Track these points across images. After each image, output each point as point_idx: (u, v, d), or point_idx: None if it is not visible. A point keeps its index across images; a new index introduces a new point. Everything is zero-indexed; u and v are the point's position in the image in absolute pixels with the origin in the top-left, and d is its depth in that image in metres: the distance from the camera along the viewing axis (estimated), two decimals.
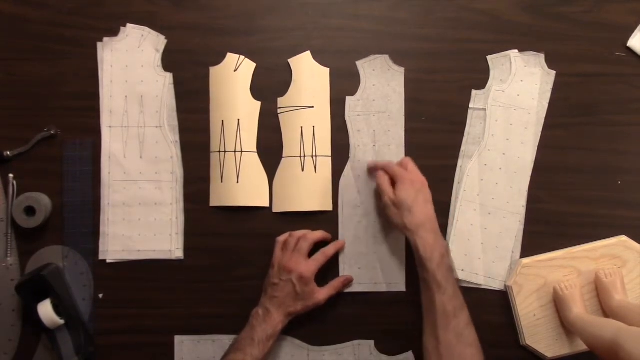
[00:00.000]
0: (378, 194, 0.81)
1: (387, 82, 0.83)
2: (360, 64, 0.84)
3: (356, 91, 0.84)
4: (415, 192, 0.76)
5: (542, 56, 0.84)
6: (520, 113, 0.84)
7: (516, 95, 0.84)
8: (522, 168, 0.83)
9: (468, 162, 0.84)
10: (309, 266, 0.78)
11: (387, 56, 0.83)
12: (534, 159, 0.84)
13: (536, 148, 0.84)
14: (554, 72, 0.84)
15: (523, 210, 0.83)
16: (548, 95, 0.84)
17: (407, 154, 0.83)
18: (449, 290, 0.72)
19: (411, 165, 0.79)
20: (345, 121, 0.84)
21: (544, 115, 0.84)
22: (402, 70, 0.83)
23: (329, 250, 0.81)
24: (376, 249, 0.83)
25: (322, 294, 0.79)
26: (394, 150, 0.83)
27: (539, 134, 0.84)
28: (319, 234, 0.81)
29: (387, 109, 0.83)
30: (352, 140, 0.83)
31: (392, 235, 0.83)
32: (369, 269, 0.83)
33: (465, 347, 0.71)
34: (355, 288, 0.83)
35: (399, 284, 0.83)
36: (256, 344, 0.75)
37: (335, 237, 0.83)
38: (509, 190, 0.83)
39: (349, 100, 0.84)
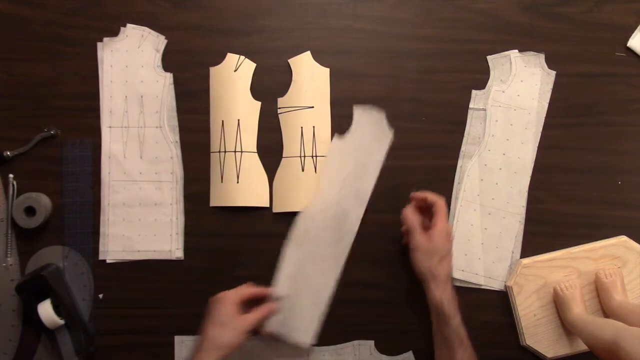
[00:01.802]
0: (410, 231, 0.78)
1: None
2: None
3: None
4: (450, 246, 0.77)
5: (542, 56, 0.84)
6: (520, 113, 0.84)
7: (516, 95, 0.84)
8: (522, 168, 0.83)
9: (468, 162, 0.84)
10: (227, 292, 0.76)
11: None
12: (534, 159, 0.84)
13: (536, 148, 0.84)
14: (554, 72, 0.84)
15: (523, 211, 0.83)
16: (548, 95, 0.84)
17: (408, 153, 0.84)
18: (469, 345, 0.75)
19: (445, 214, 0.78)
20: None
21: (544, 116, 0.84)
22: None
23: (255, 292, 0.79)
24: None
25: (248, 318, 0.75)
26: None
27: (539, 134, 0.84)
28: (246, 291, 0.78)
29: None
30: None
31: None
32: None
33: None
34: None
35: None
36: None
37: None
38: (509, 191, 0.83)
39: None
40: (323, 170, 0.83)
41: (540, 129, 0.84)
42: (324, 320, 0.82)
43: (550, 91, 0.84)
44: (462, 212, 0.83)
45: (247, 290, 0.78)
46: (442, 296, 0.75)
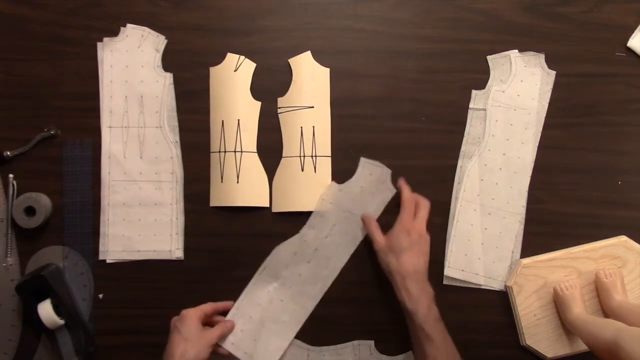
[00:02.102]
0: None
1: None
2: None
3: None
4: (409, 242, 0.76)
5: (542, 56, 0.84)
6: (520, 113, 0.84)
7: (516, 95, 0.84)
8: (522, 168, 0.83)
9: (468, 162, 0.84)
10: (190, 309, 0.78)
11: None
12: (534, 159, 0.84)
13: (536, 148, 0.84)
14: (554, 72, 0.84)
15: (523, 211, 0.83)
16: (548, 95, 0.84)
17: (408, 153, 0.84)
18: (438, 340, 0.73)
19: (424, 212, 0.79)
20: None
21: (544, 116, 0.84)
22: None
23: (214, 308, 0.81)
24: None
25: (212, 333, 0.78)
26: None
27: (539, 134, 0.84)
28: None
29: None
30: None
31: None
32: None
33: None
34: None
35: None
36: None
37: None
38: (509, 191, 0.83)
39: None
40: (314, 212, 0.82)
41: (541, 129, 0.84)
42: (325, 320, 0.82)
43: (550, 91, 0.84)
44: (462, 212, 0.83)
45: (208, 306, 0.80)
46: (402, 293, 0.75)
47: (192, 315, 0.77)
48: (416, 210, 0.79)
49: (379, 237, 0.78)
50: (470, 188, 0.83)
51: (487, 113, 0.84)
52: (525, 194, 0.83)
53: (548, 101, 0.84)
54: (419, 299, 0.74)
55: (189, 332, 0.75)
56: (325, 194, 0.83)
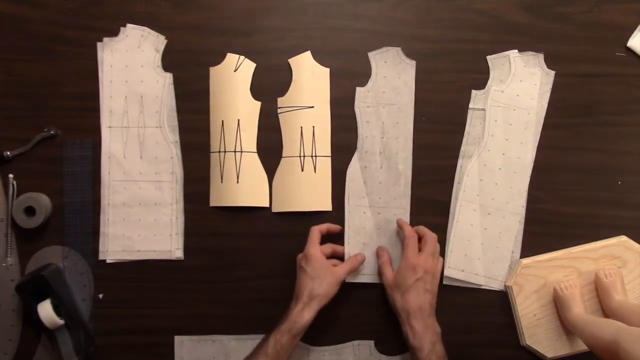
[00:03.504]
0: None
1: (397, 74, 0.83)
2: (372, 55, 0.84)
3: (354, 91, 0.84)
4: (414, 279, 0.76)
5: (541, 56, 0.84)
6: (519, 113, 0.84)
7: (515, 95, 0.84)
8: (522, 168, 0.83)
9: (468, 162, 0.84)
10: (311, 247, 0.78)
11: (399, 49, 0.83)
12: (533, 159, 0.84)
13: (535, 148, 0.84)
14: (553, 72, 0.84)
15: (523, 211, 0.83)
16: (547, 95, 0.84)
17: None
18: None
19: (429, 247, 0.78)
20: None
21: (544, 116, 0.84)
22: (413, 63, 0.83)
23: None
24: (380, 240, 0.83)
25: (341, 269, 0.78)
26: (402, 143, 0.83)
27: (539, 134, 0.84)
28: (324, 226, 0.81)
29: (397, 102, 0.83)
30: (360, 131, 0.83)
31: (395, 228, 0.83)
32: (372, 259, 0.83)
33: None
34: (359, 279, 0.83)
35: None
36: (271, 345, 0.74)
37: (341, 226, 0.83)
38: (509, 191, 0.83)
39: (359, 90, 0.83)
40: (359, 123, 0.83)
41: (540, 129, 0.84)
42: (325, 320, 0.81)
43: (549, 91, 0.84)
44: (462, 212, 0.83)
45: (329, 247, 0.81)
46: (406, 329, 0.76)
47: (317, 254, 0.77)
48: (422, 244, 0.79)
49: (388, 273, 0.79)
50: (470, 188, 0.83)
51: (486, 113, 0.84)
52: (525, 194, 0.83)
53: (547, 101, 0.84)
54: (423, 336, 0.74)
55: (318, 270, 0.76)
56: (356, 101, 0.83)
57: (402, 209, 0.83)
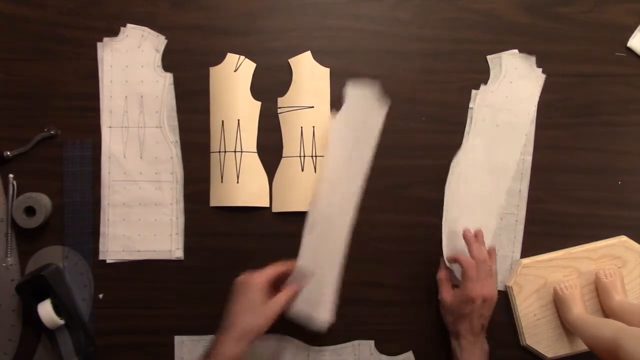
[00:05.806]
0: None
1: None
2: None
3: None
4: (470, 309, 0.76)
5: (533, 58, 0.84)
6: (506, 114, 0.83)
7: (504, 96, 0.83)
8: (504, 169, 0.83)
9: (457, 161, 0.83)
10: (257, 275, 0.73)
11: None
12: (531, 160, 0.83)
13: (524, 148, 0.83)
14: (544, 76, 0.84)
15: (522, 211, 0.83)
16: (537, 97, 0.84)
17: (408, 153, 0.83)
18: None
19: (484, 272, 0.75)
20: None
21: (533, 118, 0.83)
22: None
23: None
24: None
25: (277, 303, 0.72)
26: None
27: (524, 137, 0.83)
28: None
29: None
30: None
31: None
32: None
33: None
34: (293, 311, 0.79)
35: None
36: None
37: None
38: (506, 191, 0.83)
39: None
40: (328, 152, 0.81)
41: (527, 130, 0.83)
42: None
43: (539, 93, 0.83)
44: (449, 211, 0.83)
45: (273, 270, 0.75)
46: (455, 347, 0.78)
47: (255, 284, 0.72)
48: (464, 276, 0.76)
49: (445, 294, 0.79)
50: (455, 186, 0.83)
51: (473, 112, 0.83)
52: (525, 194, 0.83)
53: (537, 103, 0.83)
54: (471, 354, 0.76)
55: (251, 302, 0.71)
56: (330, 131, 0.81)
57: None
